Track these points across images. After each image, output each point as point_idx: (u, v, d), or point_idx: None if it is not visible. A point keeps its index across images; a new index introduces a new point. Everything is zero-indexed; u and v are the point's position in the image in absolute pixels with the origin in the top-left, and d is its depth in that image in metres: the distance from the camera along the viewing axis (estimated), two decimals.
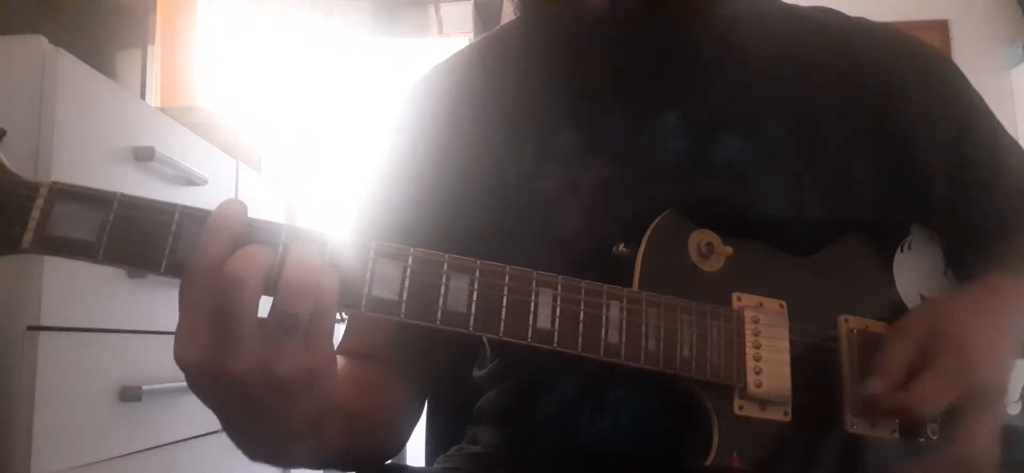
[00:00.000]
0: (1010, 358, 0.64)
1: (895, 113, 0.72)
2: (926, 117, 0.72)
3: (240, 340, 0.46)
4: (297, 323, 0.47)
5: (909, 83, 0.73)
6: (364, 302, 0.52)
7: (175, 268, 0.49)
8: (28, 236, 0.49)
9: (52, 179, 0.50)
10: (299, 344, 0.48)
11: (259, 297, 0.47)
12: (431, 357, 0.73)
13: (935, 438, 0.63)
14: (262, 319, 0.47)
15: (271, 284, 0.48)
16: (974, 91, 0.76)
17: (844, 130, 0.71)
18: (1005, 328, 0.63)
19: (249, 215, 0.50)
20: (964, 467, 0.58)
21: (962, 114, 0.74)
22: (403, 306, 0.53)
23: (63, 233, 0.49)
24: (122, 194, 0.50)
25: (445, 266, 0.54)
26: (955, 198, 0.73)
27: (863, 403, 0.61)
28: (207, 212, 0.50)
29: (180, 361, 0.48)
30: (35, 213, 0.49)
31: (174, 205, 0.50)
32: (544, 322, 0.56)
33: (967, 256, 0.71)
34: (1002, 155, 0.75)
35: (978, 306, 0.64)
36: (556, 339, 0.56)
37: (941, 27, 3.21)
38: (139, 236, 0.50)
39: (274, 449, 0.55)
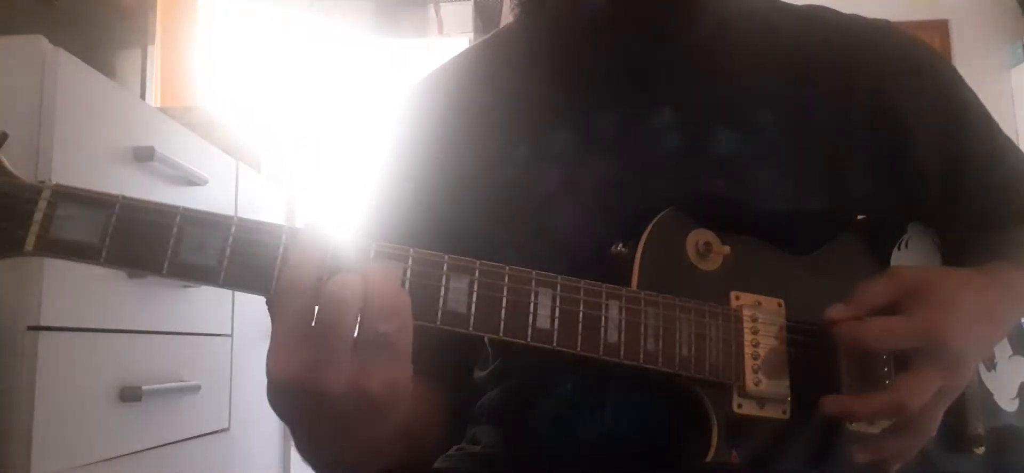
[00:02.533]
0: (986, 341, 0.65)
1: (888, 106, 0.72)
2: (919, 110, 0.73)
3: (338, 360, 0.48)
4: (387, 342, 0.49)
5: (902, 76, 0.73)
6: None
7: (177, 270, 0.50)
8: (31, 239, 0.49)
9: (53, 180, 0.51)
10: (387, 361, 0.50)
11: (357, 319, 0.49)
12: (463, 366, 0.75)
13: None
14: (354, 338, 0.49)
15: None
16: (968, 87, 0.77)
17: (838, 124, 0.71)
18: (989, 308, 0.64)
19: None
20: (899, 414, 0.58)
21: (956, 107, 0.75)
22: None
23: (65, 235, 0.49)
24: (124, 196, 0.50)
25: (445, 266, 0.54)
26: (951, 191, 0.73)
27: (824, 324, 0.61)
28: (207, 213, 0.51)
29: (277, 379, 0.49)
30: (37, 216, 0.49)
31: (176, 207, 0.51)
32: (543, 322, 0.56)
33: (963, 252, 0.72)
34: (997, 149, 0.76)
35: (973, 283, 0.64)
36: (556, 338, 0.56)
37: (941, 27, 3.22)
38: (141, 238, 0.50)
39: (353, 463, 0.57)
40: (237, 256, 0.51)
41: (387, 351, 0.50)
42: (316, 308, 0.48)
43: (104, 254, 0.49)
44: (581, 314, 0.57)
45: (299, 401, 0.50)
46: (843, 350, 0.64)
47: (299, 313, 0.49)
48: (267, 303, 0.51)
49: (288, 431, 1.90)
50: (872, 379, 0.63)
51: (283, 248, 0.51)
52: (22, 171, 0.51)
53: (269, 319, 0.50)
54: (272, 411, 0.51)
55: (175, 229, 0.50)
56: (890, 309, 0.60)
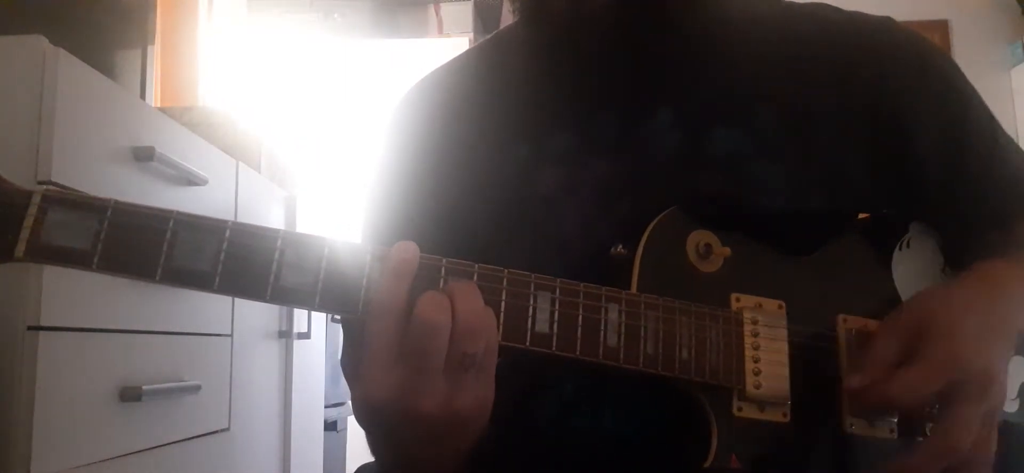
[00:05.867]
0: (1004, 346, 0.63)
1: (890, 103, 0.71)
2: (921, 107, 0.72)
3: (432, 380, 0.51)
4: (475, 362, 0.51)
5: (903, 73, 0.72)
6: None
7: (171, 276, 0.49)
8: (21, 245, 0.48)
9: (50, 181, 0.50)
10: (474, 380, 0.52)
11: (447, 341, 0.51)
12: None
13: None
14: (445, 360, 0.51)
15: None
16: (970, 84, 0.76)
17: (840, 122, 0.70)
18: (999, 316, 0.62)
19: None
20: (954, 457, 0.57)
21: (958, 105, 0.74)
22: None
23: (57, 242, 0.49)
24: (116, 201, 0.49)
25: (442, 270, 0.54)
26: (952, 189, 0.72)
27: (848, 396, 0.60)
28: (200, 217, 0.50)
29: (372, 400, 0.51)
30: (28, 222, 0.48)
31: (169, 212, 0.50)
32: (542, 326, 0.56)
33: (965, 250, 0.71)
34: (999, 146, 0.75)
35: (971, 295, 0.63)
36: (555, 343, 0.56)
37: (941, 27, 3.22)
38: (134, 244, 0.49)
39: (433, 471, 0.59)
40: (231, 261, 0.50)
41: (475, 370, 0.52)
42: (408, 330, 0.50)
43: (96, 260, 0.49)
44: (580, 318, 0.57)
45: (391, 419, 0.52)
46: (844, 351, 0.63)
47: (393, 336, 0.51)
48: (340, 319, 0.53)
49: (287, 431, 1.89)
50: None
51: (368, 267, 0.52)
52: (21, 171, 0.51)
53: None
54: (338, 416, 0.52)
55: (168, 234, 0.50)
56: (904, 358, 0.58)
